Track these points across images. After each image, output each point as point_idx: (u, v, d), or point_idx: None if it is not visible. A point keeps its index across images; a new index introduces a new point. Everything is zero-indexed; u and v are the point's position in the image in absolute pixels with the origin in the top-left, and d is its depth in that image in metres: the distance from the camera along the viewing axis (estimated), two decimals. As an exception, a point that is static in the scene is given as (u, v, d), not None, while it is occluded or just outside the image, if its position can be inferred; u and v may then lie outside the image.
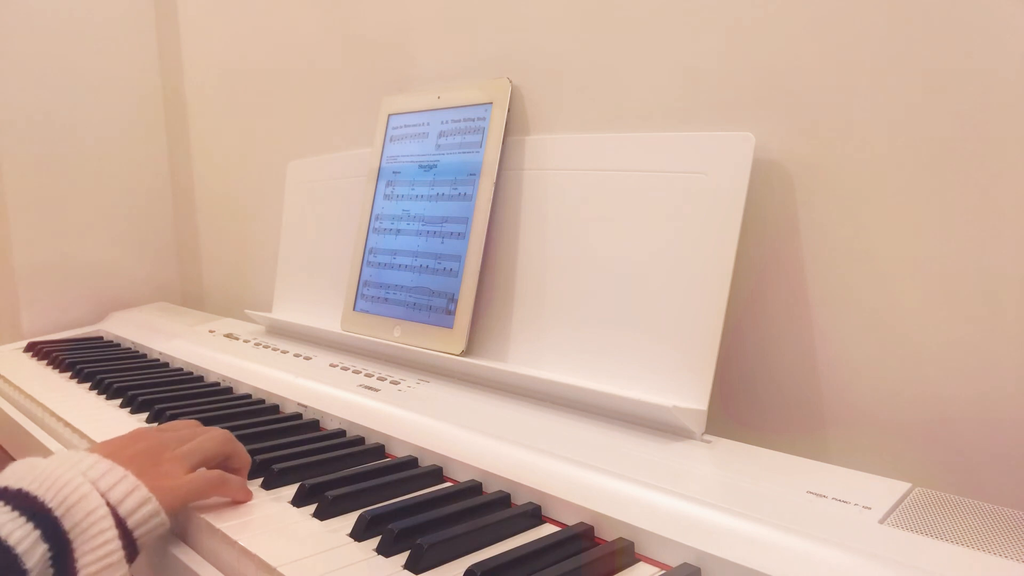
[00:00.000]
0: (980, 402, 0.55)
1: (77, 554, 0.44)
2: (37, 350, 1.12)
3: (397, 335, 0.86)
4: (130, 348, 1.15)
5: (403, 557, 0.46)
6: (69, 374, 0.97)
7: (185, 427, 0.61)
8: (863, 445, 0.61)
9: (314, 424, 0.73)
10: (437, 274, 0.83)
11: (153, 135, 1.50)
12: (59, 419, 0.77)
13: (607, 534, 0.49)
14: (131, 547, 0.47)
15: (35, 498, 0.44)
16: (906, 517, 0.46)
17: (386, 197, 0.92)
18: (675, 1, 0.70)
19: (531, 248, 0.77)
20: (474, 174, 0.82)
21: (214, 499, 0.55)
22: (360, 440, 0.68)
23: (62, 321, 1.37)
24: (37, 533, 0.43)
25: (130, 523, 0.47)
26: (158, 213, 1.51)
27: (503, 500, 0.54)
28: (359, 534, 0.49)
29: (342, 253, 1.00)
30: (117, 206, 1.45)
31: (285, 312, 1.09)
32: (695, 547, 0.44)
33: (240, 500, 0.55)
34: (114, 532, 0.45)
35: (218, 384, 0.89)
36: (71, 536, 0.44)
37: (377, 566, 0.46)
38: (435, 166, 0.87)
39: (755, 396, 0.67)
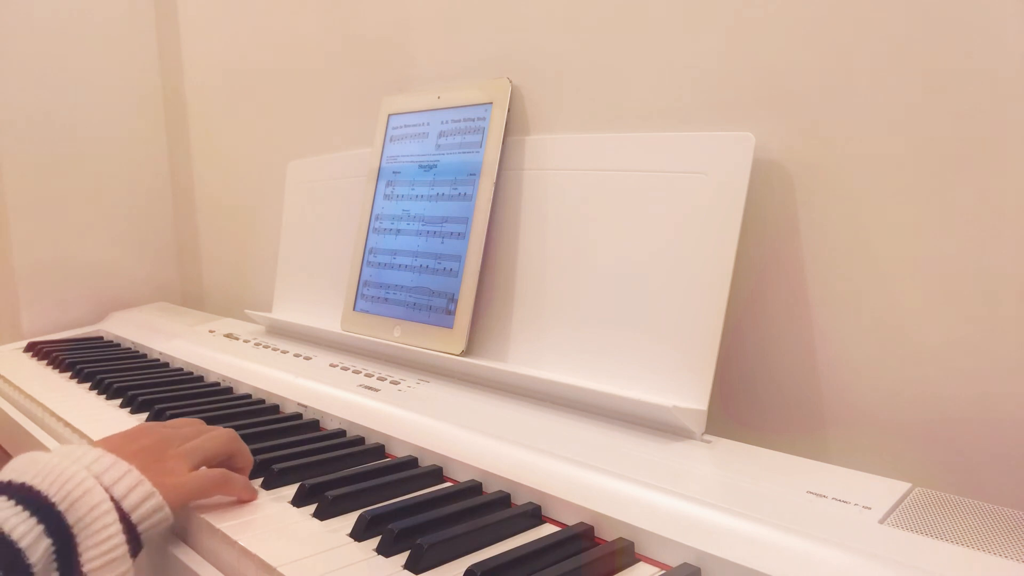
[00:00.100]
0: (980, 402, 0.55)
1: (81, 548, 0.44)
2: (37, 350, 1.12)
3: (397, 335, 0.86)
4: (130, 348, 1.15)
5: (403, 557, 0.46)
6: (69, 374, 0.97)
7: (189, 425, 0.60)
8: (863, 445, 0.61)
9: (314, 424, 0.73)
10: (437, 274, 0.83)
11: (153, 135, 1.50)
12: (59, 419, 0.77)
13: (607, 534, 0.49)
14: (135, 542, 0.47)
15: (39, 492, 0.44)
16: (906, 517, 0.46)
17: (386, 197, 0.92)
18: (675, 1, 0.70)
19: (531, 248, 0.77)
20: (474, 174, 0.82)
21: (215, 498, 0.55)
22: (360, 440, 0.68)
23: (62, 321, 1.37)
24: (41, 528, 0.43)
25: (134, 518, 0.47)
26: (158, 213, 1.51)
27: (503, 500, 0.54)
28: (359, 534, 0.49)
29: (342, 253, 1.00)
30: (117, 206, 1.45)
31: (285, 312, 1.09)
32: (695, 547, 0.44)
33: (244, 499, 0.55)
34: (118, 527, 0.45)
35: (218, 384, 0.89)
36: (75, 531, 0.44)
37: (377, 566, 0.46)
38: (435, 166, 0.87)
39: (755, 396, 0.67)
